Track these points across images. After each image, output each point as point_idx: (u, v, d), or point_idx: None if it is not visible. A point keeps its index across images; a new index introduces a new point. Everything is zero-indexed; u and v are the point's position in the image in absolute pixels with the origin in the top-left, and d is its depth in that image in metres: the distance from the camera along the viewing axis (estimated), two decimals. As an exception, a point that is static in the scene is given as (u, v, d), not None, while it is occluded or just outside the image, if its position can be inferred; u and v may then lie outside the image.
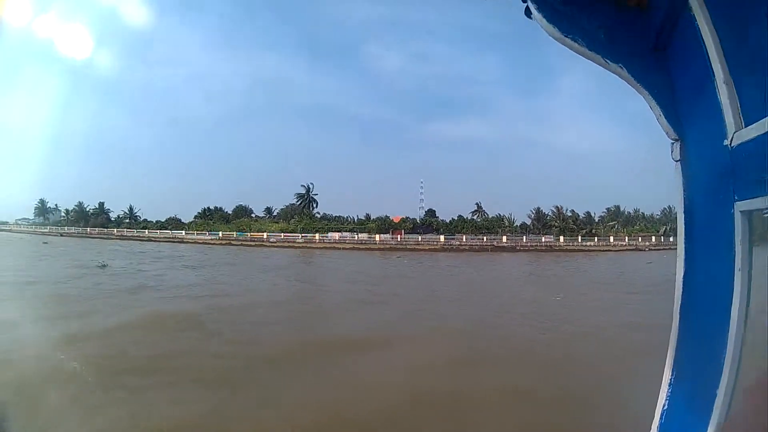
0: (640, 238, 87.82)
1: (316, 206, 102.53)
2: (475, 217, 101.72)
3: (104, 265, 33.64)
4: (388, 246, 76.39)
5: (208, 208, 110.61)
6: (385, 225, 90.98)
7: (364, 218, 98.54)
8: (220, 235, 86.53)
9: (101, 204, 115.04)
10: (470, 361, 12.15)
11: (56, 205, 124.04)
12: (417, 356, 12.47)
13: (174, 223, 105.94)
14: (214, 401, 9.20)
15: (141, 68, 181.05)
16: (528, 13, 1.68)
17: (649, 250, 76.42)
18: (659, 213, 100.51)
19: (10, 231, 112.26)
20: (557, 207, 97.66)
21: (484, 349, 13.65)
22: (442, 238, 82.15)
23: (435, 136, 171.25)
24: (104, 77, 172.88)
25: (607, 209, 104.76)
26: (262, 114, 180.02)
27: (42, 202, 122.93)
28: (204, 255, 54.53)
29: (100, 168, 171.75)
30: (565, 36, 1.66)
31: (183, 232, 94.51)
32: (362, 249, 73.84)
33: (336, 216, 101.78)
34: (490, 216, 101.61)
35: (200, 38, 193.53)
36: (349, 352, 13.00)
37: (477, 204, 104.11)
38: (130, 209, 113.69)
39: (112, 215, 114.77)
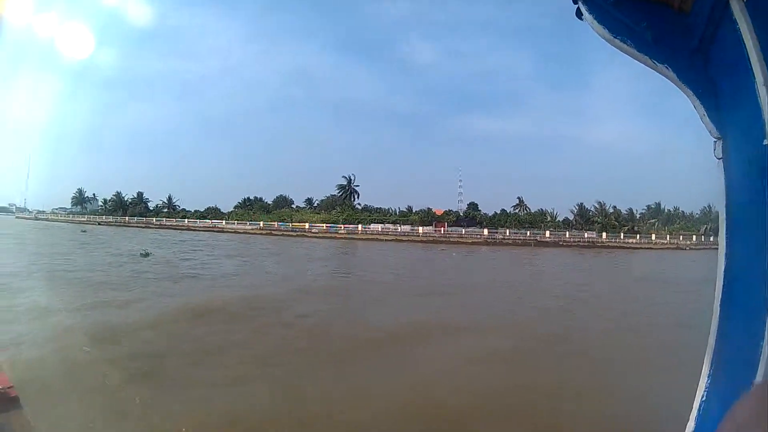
0: (681, 237, 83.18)
1: (358, 197, 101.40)
2: (516, 211, 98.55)
3: (147, 254, 31.64)
4: (431, 238, 73.44)
5: (248, 198, 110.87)
6: (428, 217, 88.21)
7: (406, 210, 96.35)
8: (261, 224, 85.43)
9: (140, 194, 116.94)
10: (534, 356, 11.55)
11: (94, 194, 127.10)
12: (477, 347, 11.89)
13: (213, 212, 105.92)
14: (298, 394, 8.43)
15: (176, 62, 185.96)
16: (579, 14, 1.76)
17: (690, 249, 71.96)
18: (698, 212, 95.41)
19: (47, 220, 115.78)
20: (600, 203, 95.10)
21: (545, 343, 12.93)
22: (485, 231, 79.10)
23: (472, 131, 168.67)
24: (139, 72, 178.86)
25: (647, 206, 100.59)
26: (297, 106, 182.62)
27: (80, 191, 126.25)
28: (246, 245, 53.03)
29: (138, 160, 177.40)
30: (615, 37, 1.74)
31: (223, 221, 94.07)
32: (405, 241, 71.27)
33: (376, 207, 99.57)
34: (532, 210, 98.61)
35: (235, 31, 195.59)
36: (408, 343, 12.23)
37: (519, 198, 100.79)
38: (169, 199, 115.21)
39: (150, 205, 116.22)
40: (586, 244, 75.52)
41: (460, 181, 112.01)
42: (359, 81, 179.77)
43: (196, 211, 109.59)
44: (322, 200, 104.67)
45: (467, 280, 27.93)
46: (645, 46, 1.74)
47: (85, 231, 69.32)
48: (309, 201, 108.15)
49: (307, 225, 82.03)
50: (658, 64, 1.76)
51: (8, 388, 3.20)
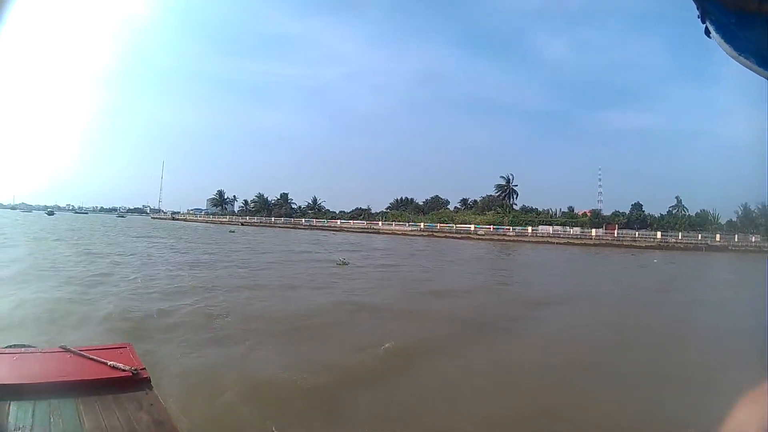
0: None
1: (516, 197, 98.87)
2: (675, 212, 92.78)
3: (345, 263, 28.41)
4: (604, 242, 69.22)
5: (399, 198, 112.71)
6: (597, 219, 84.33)
7: (566, 210, 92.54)
8: (422, 226, 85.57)
9: (284, 194, 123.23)
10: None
11: (234, 196, 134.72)
12: None
13: (364, 213, 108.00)
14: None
15: (307, 68, 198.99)
16: (707, 32, 1.65)
17: None
18: None
19: (184, 220, 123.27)
20: (764, 204, 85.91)
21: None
22: (658, 234, 73.45)
23: (607, 127, 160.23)
24: (271, 80, 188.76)
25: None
26: (431, 107, 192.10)
27: (220, 193, 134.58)
28: (425, 247, 52.34)
29: (275, 164, 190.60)
30: (740, 55, 1.61)
31: (380, 222, 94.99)
32: (577, 244, 67.44)
33: (532, 208, 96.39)
34: (689, 211, 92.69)
35: (364, 37, 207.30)
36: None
37: (677, 198, 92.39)
38: (314, 200, 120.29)
39: (293, 206, 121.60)
40: (753, 249, 70.26)
41: (600, 180, 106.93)
42: (488, 79, 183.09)
43: (341, 211, 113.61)
44: (476, 200, 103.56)
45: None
46: (765, 62, 1.46)
47: (233, 232, 71.27)
48: (464, 201, 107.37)
49: (473, 227, 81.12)
50: None
51: (141, 369, 3.49)
